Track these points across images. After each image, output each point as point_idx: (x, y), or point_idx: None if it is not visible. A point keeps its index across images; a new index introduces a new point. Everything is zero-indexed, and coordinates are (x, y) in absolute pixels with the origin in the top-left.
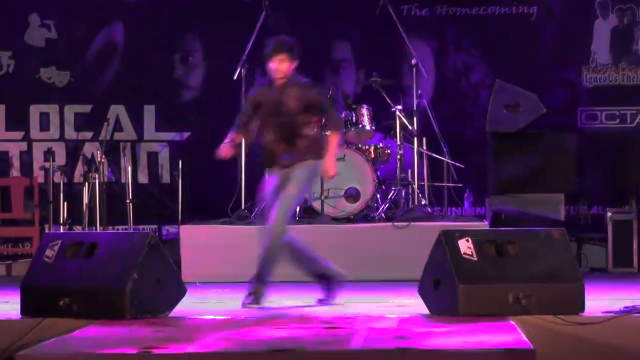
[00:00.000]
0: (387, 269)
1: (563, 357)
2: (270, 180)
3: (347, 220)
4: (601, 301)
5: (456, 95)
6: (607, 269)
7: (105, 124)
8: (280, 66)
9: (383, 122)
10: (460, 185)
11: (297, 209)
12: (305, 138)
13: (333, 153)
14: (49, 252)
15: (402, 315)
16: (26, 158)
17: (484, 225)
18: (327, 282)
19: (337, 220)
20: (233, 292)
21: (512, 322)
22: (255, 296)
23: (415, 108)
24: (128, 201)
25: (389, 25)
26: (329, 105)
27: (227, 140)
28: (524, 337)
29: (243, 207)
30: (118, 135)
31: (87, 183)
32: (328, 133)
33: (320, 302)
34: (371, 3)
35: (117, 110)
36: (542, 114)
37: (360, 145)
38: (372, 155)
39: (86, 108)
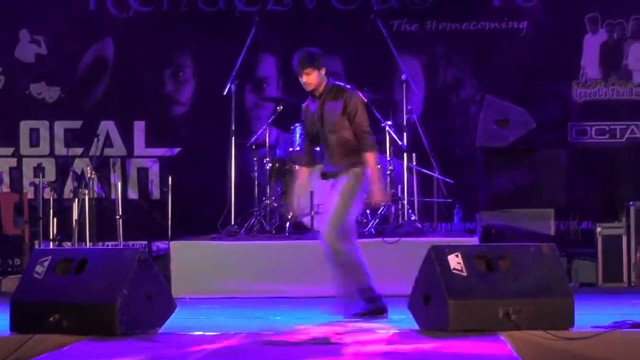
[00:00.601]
0: (377, 284)
1: None
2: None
3: None
4: (591, 316)
5: (446, 111)
6: (597, 284)
7: (95, 139)
8: (308, 80)
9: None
10: (450, 200)
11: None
12: (346, 146)
13: (375, 175)
14: (38, 268)
15: (392, 330)
16: (16, 174)
17: (473, 240)
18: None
19: None
20: (223, 308)
21: (502, 337)
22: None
23: (405, 123)
24: (118, 217)
25: (379, 40)
26: (363, 120)
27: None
28: (514, 353)
29: (233, 223)
30: (108, 151)
31: (77, 199)
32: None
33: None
34: (361, 18)
35: (107, 126)
36: (532, 129)
37: None
38: None
39: (76, 124)
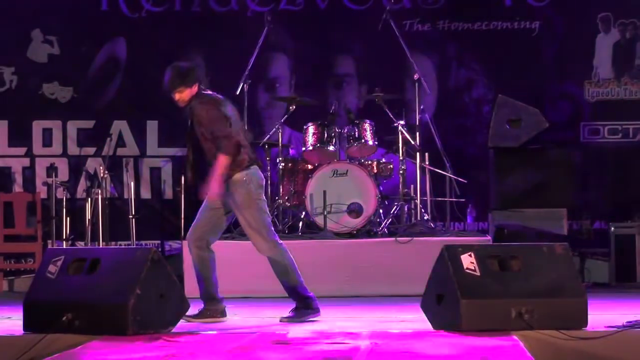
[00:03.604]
0: (389, 284)
1: None
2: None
3: (350, 235)
4: (604, 316)
5: (458, 110)
6: (610, 283)
7: (108, 139)
8: (181, 97)
9: (385, 137)
10: (463, 200)
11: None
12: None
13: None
14: (51, 268)
15: (405, 330)
16: (29, 174)
17: (486, 240)
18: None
19: (339, 235)
20: (236, 308)
21: (515, 337)
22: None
23: (417, 123)
24: (131, 217)
25: (391, 40)
26: (216, 122)
27: None
28: (527, 352)
29: None
30: (121, 151)
31: (89, 199)
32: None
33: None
34: (374, 18)
35: (119, 126)
36: (545, 128)
37: (362, 161)
38: (375, 171)
39: (89, 124)
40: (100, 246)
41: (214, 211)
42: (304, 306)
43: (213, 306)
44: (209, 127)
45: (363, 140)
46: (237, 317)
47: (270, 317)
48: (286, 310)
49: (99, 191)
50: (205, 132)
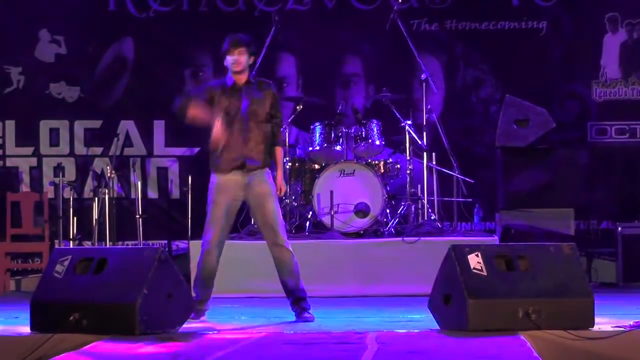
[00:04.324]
0: (397, 283)
1: None
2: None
3: (357, 235)
4: (611, 316)
5: (466, 110)
6: (617, 283)
7: (115, 139)
8: (240, 60)
9: (393, 137)
10: (470, 200)
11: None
12: (267, 141)
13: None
14: (58, 268)
15: (412, 330)
16: (36, 173)
17: (493, 240)
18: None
19: (347, 235)
20: (244, 307)
21: (522, 337)
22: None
23: (424, 123)
24: (138, 216)
25: (399, 40)
26: (280, 109)
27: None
28: (535, 352)
29: (252, 222)
30: (128, 151)
31: (96, 198)
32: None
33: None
34: (381, 18)
35: (126, 126)
36: (552, 128)
37: (369, 160)
38: (382, 170)
39: (96, 123)
40: (107, 246)
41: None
42: (306, 307)
43: None
44: (277, 111)
45: (370, 140)
46: (244, 317)
47: (276, 317)
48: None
49: (106, 191)
50: (265, 115)
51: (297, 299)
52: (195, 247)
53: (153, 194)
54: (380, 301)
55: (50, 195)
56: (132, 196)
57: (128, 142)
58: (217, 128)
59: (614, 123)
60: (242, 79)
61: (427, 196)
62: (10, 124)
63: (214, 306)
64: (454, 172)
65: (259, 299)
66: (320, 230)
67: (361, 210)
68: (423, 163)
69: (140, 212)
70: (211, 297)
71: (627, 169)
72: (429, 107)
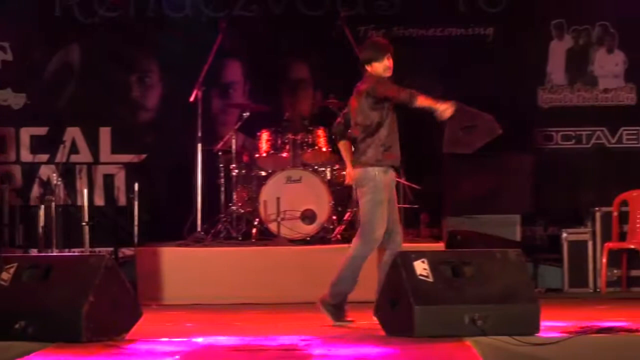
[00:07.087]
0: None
1: None
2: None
3: (304, 241)
4: (557, 322)
5: (412, 116)
6: (563, 289)
7: (62, 146)
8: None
9: None
10: (416, 206)
11: None
12: None
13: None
14: (4, 275)
15: (359, 336)
16: None
17: (439, 246)
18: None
19: (293, 241)
20: (189, 315)
21: (468, 343)
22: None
23: None
24: (84, 224)
25: (346, 46)
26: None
27: None
28: (481, 358)
29: (199, 229)
30: (74, 158)
31: (43, 206)
32: None
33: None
34: (329, 24)
35: (73, 133)
36: (499, 135)
37: (316, 167)
38: (329, 177)
39: (42, 130)
40: (54, 253)
41: None
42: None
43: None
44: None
45: (317, 147)
46: (188, 324)
47: (223, 323)
48: (240, 316)
49: (53, 198)
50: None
51: None
52: (141, 254)
53: (99, 201)
54: None
55: None
56: (79, 203)
57: (74, 149)
58: None
59: (560, 129)
60: None
61: None
62: None
63: (159, 313)
64: (400, 179)
65: (205, 305)
66: (266, 236)
67: (308, 217)
68: None
69: (86, 220)
70: None
71: (572, 175)
72: None
